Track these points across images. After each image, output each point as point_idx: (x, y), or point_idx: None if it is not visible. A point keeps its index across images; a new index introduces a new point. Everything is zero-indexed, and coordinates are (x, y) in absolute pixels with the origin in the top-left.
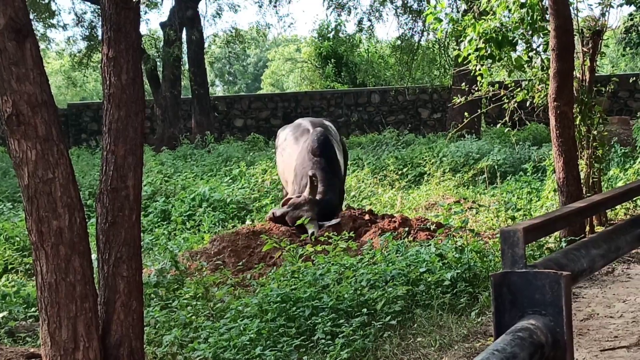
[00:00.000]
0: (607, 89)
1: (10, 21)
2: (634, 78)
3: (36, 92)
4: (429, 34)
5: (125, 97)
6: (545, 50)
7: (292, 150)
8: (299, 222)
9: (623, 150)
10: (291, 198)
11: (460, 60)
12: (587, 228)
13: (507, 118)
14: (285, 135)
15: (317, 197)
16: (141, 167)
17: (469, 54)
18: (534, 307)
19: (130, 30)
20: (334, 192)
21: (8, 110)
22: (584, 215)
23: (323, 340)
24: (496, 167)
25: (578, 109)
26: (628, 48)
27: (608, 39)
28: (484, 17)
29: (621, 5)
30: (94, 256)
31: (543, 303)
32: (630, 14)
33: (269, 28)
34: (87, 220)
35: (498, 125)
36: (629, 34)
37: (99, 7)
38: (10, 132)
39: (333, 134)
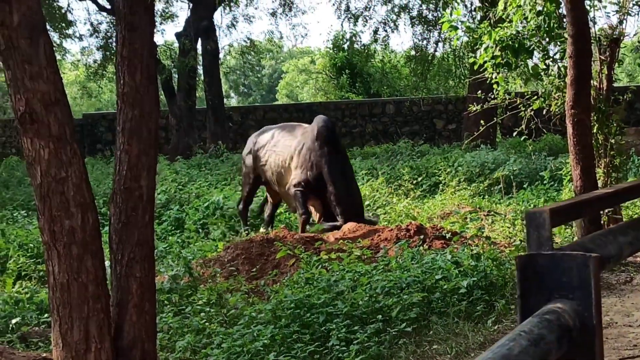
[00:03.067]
0: (625, 97)
1: (24, 18)
2: None
3: (50, 90)
4: (444, 44)
5: (139, 97)
6: (562, 58)
7: (287, 141)
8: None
9: None
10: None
11: (476, 67)
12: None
13: (523, 126)
14: (269, 135)
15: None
16: (155, 167)
17: (485, 62)
18: (560, 290)
19: (144, 30)
20: (347, 190)
21: (21, 109)
22: (611, 202)
23: (337, 347)
24: (512, 177)
25: (595, 117)
26: None
27: (625, 46)
28: (500, 25)
29: (637, 14)
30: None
31: (570, 286)
32: None
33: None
34: (100, 225)
35: (514, 134)
36: None
37: (114, 17)
38: (23, 131)
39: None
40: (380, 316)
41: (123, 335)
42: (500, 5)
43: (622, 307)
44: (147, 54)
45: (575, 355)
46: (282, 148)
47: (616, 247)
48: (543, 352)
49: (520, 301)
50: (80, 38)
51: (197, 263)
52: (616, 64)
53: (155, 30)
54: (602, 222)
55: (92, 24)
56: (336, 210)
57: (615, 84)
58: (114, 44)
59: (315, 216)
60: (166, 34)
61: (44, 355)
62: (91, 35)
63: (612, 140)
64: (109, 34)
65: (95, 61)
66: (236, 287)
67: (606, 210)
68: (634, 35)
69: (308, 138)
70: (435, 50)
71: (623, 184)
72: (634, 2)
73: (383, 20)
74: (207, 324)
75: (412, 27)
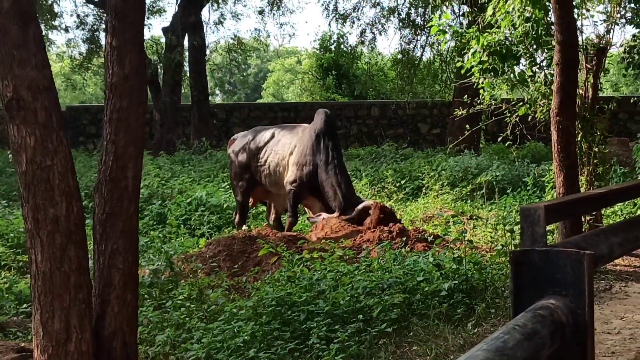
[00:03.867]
0: (610, 106)
1: (14, 4)
2: (635, 99)
3: (38, 77)
4: (431, 48)
5: (127, 87)
6: (549, 65)
7: (287, 139)
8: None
9: (623, 170)
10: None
11: (463, 72)
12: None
13: (508, 132)
14: (269, 134)
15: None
16: (141, 158)
17: (472, 67)
18: (554, 287)
19: (134, 20)
20: (341, 182)
21: (8, 95)
22: (604, 203)
23: (318, 345)
24: (494, 182)
25: (580, 126)
26: (630, 69)
27: (611, 56)
28: (488, 31)
29: (624, 25)
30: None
31: (564, 283)
32: (634, 35)
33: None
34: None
35: (499, 139)
36: (632, 55)
37: (101, 10)
38: (9, 117)
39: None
40: (361, 316)
41: (104, 326)
42: (489, 11)
43: (601, 315)
44: (136, 44)
45: (566, 351)
46: (282, 147)
47: (607, 247)
48: (536, 346)
49: (513, 296)
50: (67, 30)
51: (178, 258)
52: (602, 74)
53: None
54: (582, 229)
55: (78, 16)
56: (332, 204)
57: (600, 94)
58: (100, 36)
59: (310, 214)
60: (153, 29)
61: (22, 344)
62: (77, 27)
63: (596, 149)
64: (95, 26)
65: (80, 53)
66: (217, 283)
67: (587, 218)
68: (620, 45)
69: (307, 134)
70: (422, 54)
71: (615, 185)
72: (621, 14)
73: (371, 22)
74: (187, 318)
75: (399, 30)
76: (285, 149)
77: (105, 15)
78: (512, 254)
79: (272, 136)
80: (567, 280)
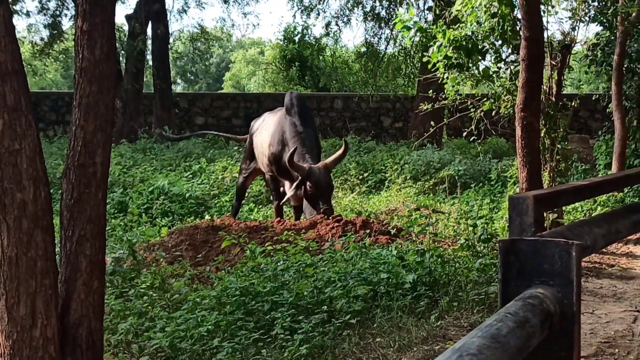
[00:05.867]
0: (573, 103)
1: None
2: (596, 97)
3: (6, 59)
4: (395, 42)
5: (98, 72)
6: (514, 61)
7: (268, 122)
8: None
9: (583, 167)
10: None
11: (429, 66)
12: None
13: (473, 127)
14: (261, 119)
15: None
16: (110, 144)
17: (438, 61)
18: (541, 276)
19: (106, 4)
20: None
21: None
22: (593, 193)
23: (282, 336)
24: (457, 177)
25: (543, 122)
26: (592, 66)
27: (575, 53)
28: (453, 26)
29: (588, 23)
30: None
31: (552, 273)
32: (597, 33)
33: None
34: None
35: (464, 134)
36: (594, 52)
37: None
38: None
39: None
40: (325, 307)
41: (70, 313)
42: (456, 6)
43: None
44: (107, 29)
45: (553, 341)
46: (265, 130)
47: (592, 238)
48: (528, 334)
49: (501, 285)
50: (28, 14)
51: (140, 247)
52: (566, 70)
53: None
54: (545, 225)
55: (40, 1)
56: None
57: (563, 91)
58: (62, 22)
59: (293, 200)
60: (116, 16)
61: None
62: (39, 12)
63: (559, 146)
64: (57, 11)
65: (42, 39)
66: (180, 272)
67: (549, 214)
68: (584, 43)
69: (279, 115)
70: (386, 48)
71: (601, 176)
72: (585, 11)
73: (336, 14)
74: (150, 307)
75: (364, 22)
76: (266, 134)
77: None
78: (501, 243)
79: (263, 120)
80: (555, 270)
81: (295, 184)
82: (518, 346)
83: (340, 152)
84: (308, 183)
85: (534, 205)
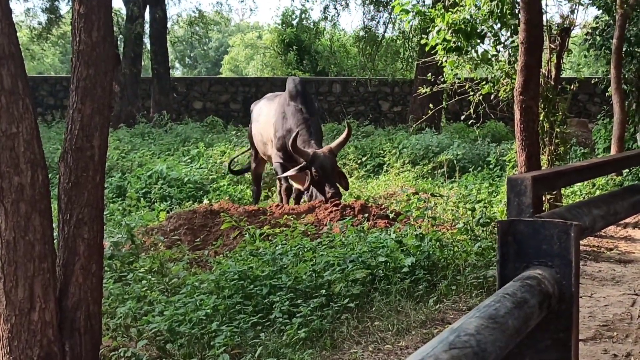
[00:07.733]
0: (572, 86)
1: None
2: (595, 80)
3: (4, 42)
4: (393, 25)
5: (95, 55)
6: (512, 44)
7: (268, 110)
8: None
9: (582, 151)
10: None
11: (427, 49)
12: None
13: (471, 110)
14: (259, 106)
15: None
16: (107, 127)
17: (437, 44)
18: (540, 257)
19: None
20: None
21: None
22: (591, 174)
23: (280, 319)
24: (455, 161)
25: (542, 105)
26: (591, 50)
27: (574, 37)
28: (451, 10)
29: (587, 6)
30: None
31: (550, 254)
32: (596, 17)
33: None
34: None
35: (463, 118)
36: (594, 36)
37: None
38: None
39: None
40: (323, 291)
41: (68, 296)
42: None
43: None
44: (104, 11)
45: (551, 322)
46: (264, 118)
47: (590, 220)
48: (526, 315)
49: (499, 266)
50: None
51: (138, 231)
52: (565, 54)
53: None
54: (543, 208)
55: None
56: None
57: (562, 74)
58: (60, 6)
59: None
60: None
61: None
62: None
63: (557, 129)
64: None
65: (39, 23)
66: (179, 256)
67: (548, 197)
68: (583, 27)
69: (280, 103)
70: (385, 31)
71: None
72: None
73: None
74: (148, 291)
75: (362, 6)
76: (266, 122)
77: None
78: (500, 224)
79: (260, 108)
80: (554, 251)
81: (298, 167)
82: (516, 327)
83: (343, 135)
84: (313, 168)
85: (533, 186)
